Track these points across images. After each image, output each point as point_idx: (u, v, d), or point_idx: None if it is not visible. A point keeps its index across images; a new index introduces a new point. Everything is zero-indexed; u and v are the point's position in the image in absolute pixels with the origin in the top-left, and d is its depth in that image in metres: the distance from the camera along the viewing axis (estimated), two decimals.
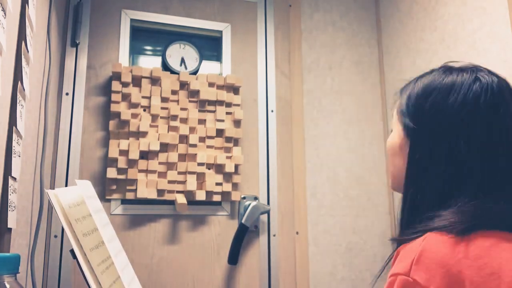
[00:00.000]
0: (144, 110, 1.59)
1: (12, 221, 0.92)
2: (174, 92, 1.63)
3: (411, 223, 0.63)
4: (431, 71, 0.72)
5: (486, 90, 0.64)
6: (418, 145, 0.67)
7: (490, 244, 0.54)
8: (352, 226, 1.78)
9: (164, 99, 1.61)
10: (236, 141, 1.67)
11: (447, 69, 0.70)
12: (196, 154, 1.58)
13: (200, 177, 1.59)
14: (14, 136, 0.94)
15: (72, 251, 0.79)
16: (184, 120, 1.62)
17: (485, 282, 0.51)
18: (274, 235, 1.67)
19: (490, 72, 0.68)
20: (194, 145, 1.59)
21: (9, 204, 0.90)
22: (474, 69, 0.68)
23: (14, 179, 0.94)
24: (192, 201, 1.59)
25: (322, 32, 1.93)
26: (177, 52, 1.70)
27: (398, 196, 0.71)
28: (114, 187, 1.52)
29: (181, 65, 1.69)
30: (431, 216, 0.60)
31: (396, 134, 0.73)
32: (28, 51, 1.03)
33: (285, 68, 1.84)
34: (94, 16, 1.64)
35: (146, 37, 1.75)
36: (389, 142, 0.75)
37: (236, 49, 1.79)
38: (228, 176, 1.62)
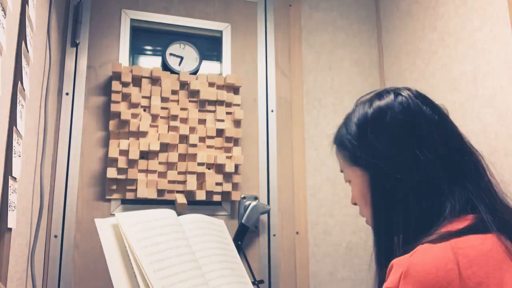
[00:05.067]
0: (144, 110, 1.59)
1: (12, 221, 0.92)
2: (174, 92, 1.63)
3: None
4: (349, 113, 0.77)
5: (410, 97, 0.70)
6: (379, 169, 0.69)
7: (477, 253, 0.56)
8: (352, 226, 1.78)
9: (164, 99, 1.61)
10: (236, 141, 1.67)
11: (365, 101, 0.74)
12: (196, 154, 1.58)
13: (200, 177, 1.59)
14: (14, 136, 0.94)
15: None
16: (184, 120, 1.62)
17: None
18: (274, 235, 1.67)
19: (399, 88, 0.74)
20: (194, 145, 1.59)
21: (9, 204, 0.90)
22: (389, 90, 0.74)
23: (14, 179, 0.94)
24: (192, 201, 1.59)
25: (322, 32, 1.93)
26: (177, 52, 1.70)
27: None
28: (114, 187, 1.52)
29: (180, 64, 1.69)
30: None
31: (357, 180, 0.74)
32: (28, 51, 1.03)
33: (285, 68, 1.84)
34: (94, 16, 1.64)
35: (146, 37, 1.75)
36: (354, 194, 0.77)
37: (236, 49, 1.79)
38: (228, 176, 1.62)
